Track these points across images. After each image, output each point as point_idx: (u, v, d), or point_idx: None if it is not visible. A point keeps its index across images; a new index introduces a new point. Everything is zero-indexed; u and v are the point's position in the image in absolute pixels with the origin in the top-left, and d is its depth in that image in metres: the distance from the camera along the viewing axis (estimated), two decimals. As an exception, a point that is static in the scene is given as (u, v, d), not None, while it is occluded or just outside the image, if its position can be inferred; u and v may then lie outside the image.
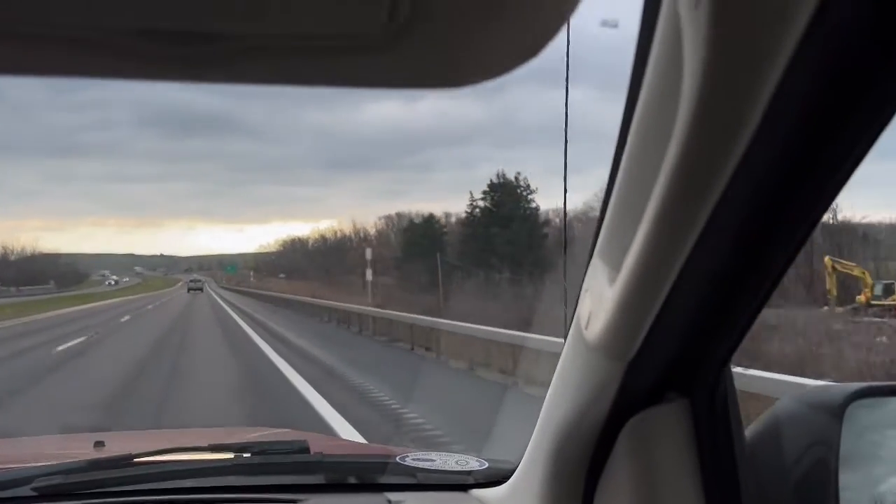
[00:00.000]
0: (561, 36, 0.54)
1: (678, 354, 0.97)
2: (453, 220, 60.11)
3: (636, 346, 0.93)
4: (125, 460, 1.57)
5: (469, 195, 53.60)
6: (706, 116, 0.69)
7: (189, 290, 77.62)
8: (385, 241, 67.13)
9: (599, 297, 0.95)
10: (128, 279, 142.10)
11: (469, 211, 54.12)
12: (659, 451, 1.02)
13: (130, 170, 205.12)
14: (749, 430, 1.05)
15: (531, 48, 0.54)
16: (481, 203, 52.81)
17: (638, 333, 0.92)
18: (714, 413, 1.01)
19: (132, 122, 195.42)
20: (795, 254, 0.83)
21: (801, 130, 0.70)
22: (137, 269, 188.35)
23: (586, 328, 0.99)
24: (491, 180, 52.55)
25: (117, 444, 1.97)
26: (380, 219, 76.65)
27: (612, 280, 0.91)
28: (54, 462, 1.62)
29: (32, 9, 0.48)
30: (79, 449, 2.04)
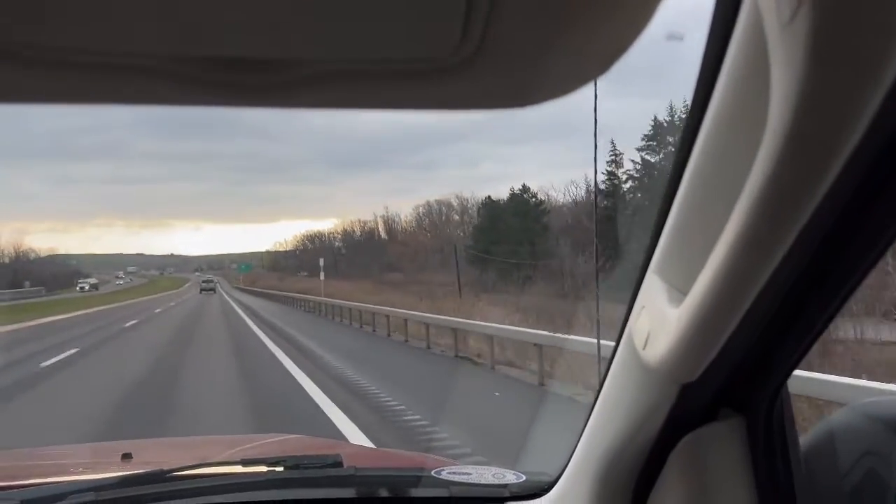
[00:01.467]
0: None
1: (737, 373, 0.95)
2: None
3: (700, 370, 0.91)
4: (158, 476, 1.54)
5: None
6: (799, 141, 0.65)
7: (201, 290, 76.87)
8: (431, 231, 63.61)
9: (661, 318, 0.91)
10: (122, 281, 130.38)
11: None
12: (713, 470, 1.01)
13: (133, 171, 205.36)
14: (804, 441, 1.03)
15: (603, 64, 0.53)
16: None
17: (705, 358, 0.89)
18: (771, 431, 1.00)
19: (129, 124, 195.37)
20: (863, 277, 0.81)
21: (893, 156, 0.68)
22: (131, 268, 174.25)
23: (644, 348, 0.96)
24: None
25: (144, 455, 1.94)
26: (417, 208, 73.53)
27: (676, 301, 0.88)
28: (84, 477, 1.61)
29: (99, 38, 0.48)
30: (106, 461, 2.01)
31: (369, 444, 7.30)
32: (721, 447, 1.00)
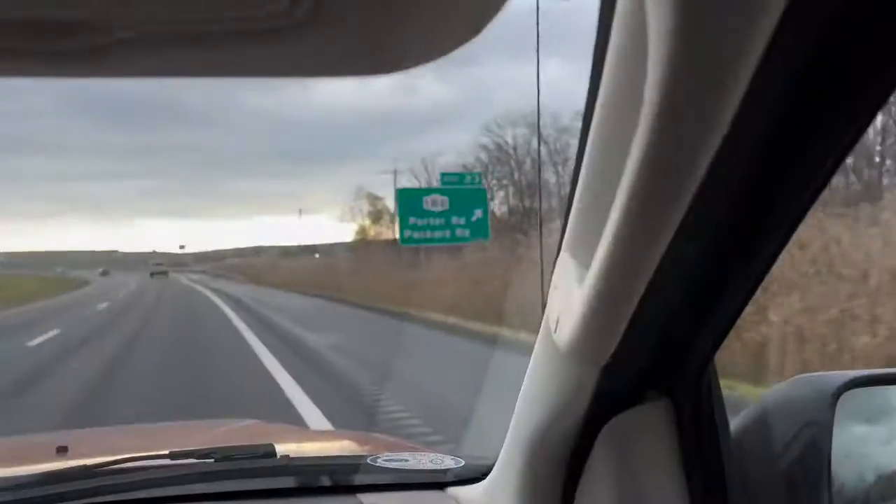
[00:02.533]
0: (508, 10, 0.49)
1: (657, 354, 0.93)
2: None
3: (611, 349, 0.88)
4: (82, 471, 1.50)
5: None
6: (676, 107, 0.63)
7: (152, 274, 73.59)
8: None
9: (568, 297, 0.89)
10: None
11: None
12: (639, 453, 1.00)
13: (81, 167, 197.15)
14: (735, 422, 1.03)
15: (471, 27, 0.49)
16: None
17: (612, 337, 0.86)
18: (698, 412, 0.98)
19: (60, 112, 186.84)
20: (780, 250, 0.79)
21: (777, 125, 0.66)
22: (58, 269, 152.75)
23: (555, 331, 0.94)
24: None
25: (82, 448, 1.89)
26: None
27: (582, 278, 0.85)
28: (11, 474, 1.54)
29: None
30: (39, 454, 1.94)
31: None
32: (647, 431, 0.99)
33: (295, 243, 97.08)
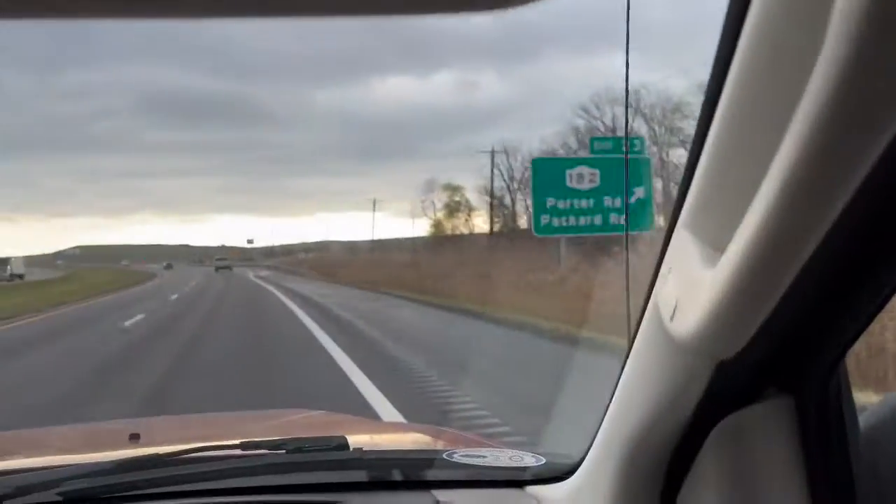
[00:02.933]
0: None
1: (784, 348, 0.82)
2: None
3: (739, 344, 0.77)
4: (155, 460, 1.52)
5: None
6: (868, 59, 0.51)
7: (217, 269, 75.84)
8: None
9: (691, 283, 0.78)
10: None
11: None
12: (756, 458, 0.90)
13: (154, 164, 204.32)
14: (865, 422, 0.92)
15: None
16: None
17: (745, 330, 0.76)
18: (825, 411, 0.88)
19: (134, 110, 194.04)
20: None
21: None
22: (124, 262, 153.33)
23: (672, 319, 0.83)
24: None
25: (153, 435, 1.96)
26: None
27: (711, 261, 0.74)
28: (84, 460, 1.64)
29: None
30: (113, 441, 2.03)
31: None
32: (765, 432, 0.89)
33: (363, 238, 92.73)
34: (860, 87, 0.52)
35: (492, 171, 47.57)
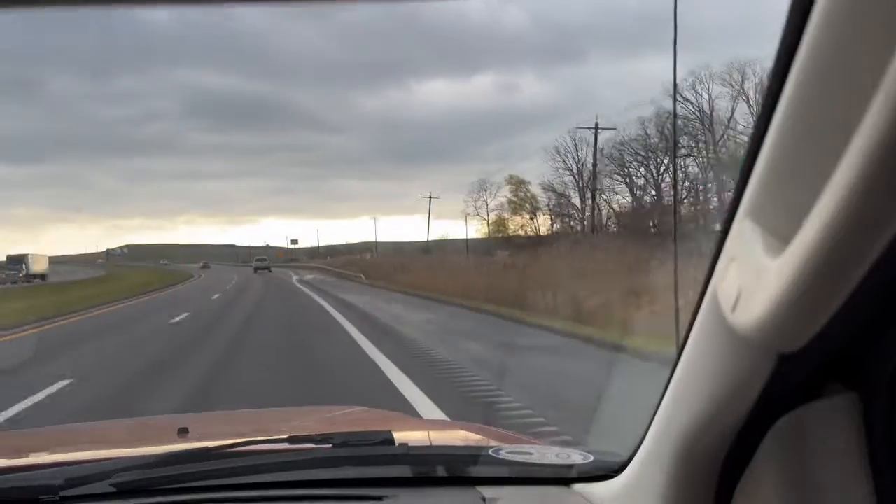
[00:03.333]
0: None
1: (850, 342, 0.79)
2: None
3: (806, 338, 0.74)
4: (203, 453, 1.55)
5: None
6: None
7: (255, 270, 74.50)
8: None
9: (757, 273, 0.74)
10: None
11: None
12: (818, 459, 0.86)
13: (202, 167, 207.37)
14: None
15: None
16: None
17: (813, 324, 0.72)
18: (892, 409, 0.83)
19: (179, 113, 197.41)
20: None
21: None
22: (163, 261, 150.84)
23: (734, 310, 0.79)
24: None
25: (201, 430, 2.00)
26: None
27: (776, 250, 0.71)
28: (134, 453, 1.71)
29: None
30: (162, 435, 2.06)
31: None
32: (828, 431, 0.85)
33: (409, 239, 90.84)
34: None
35: (595, 150, 41.29)
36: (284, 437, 1.56)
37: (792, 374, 0.81)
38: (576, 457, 1.48)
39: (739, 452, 0.93)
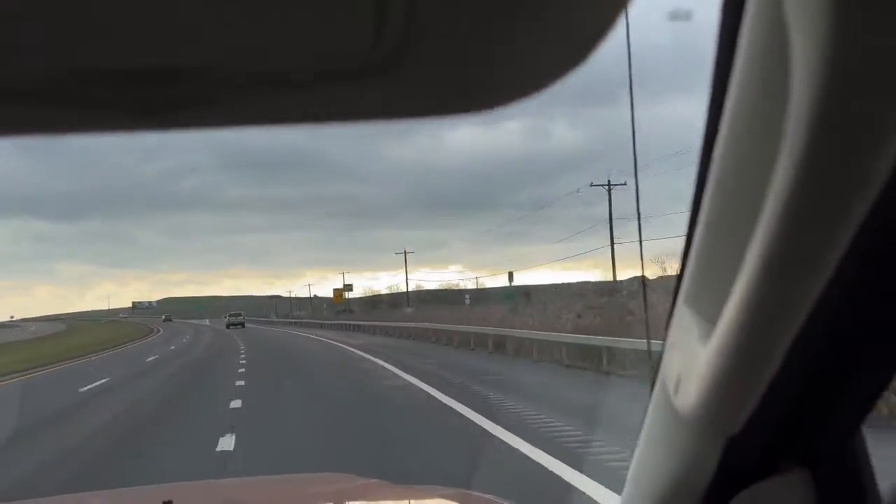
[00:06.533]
0: (614, 37, 0.45)
1: (796, 421, 0.81)
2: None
3: (743, 417, 0.77)
4: None
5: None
6: (834, 127, 0.53)
7: (228, 325, 66.66)
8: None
9: (691, 357, 0.78)
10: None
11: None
12: None
13: (243, 221, 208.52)
14: (886, 489, 0.88)
15: (572, 58, 0.46)
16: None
17: (746, 403, 0.76)
18: (843, 485, 0.85)
19: (215, 166, 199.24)
20: None
21: None
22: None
23: (675, 394, 0.83)
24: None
25: (186, 501, 2.01)
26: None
27: (707, 335, 0.74)
28: None
29: None
30: None
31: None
32: None
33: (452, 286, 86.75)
34: (827, 154, 0.53)
35: (610, 205, 41.48)
36: None
37: (743, 453, 0.82)
38: None
39: None
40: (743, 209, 0.63)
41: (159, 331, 70.58)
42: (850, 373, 0.75)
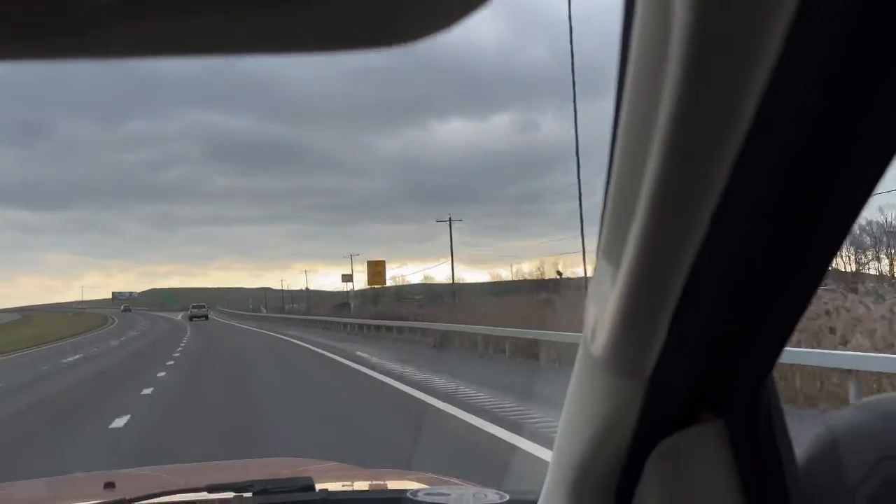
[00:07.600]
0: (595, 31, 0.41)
1: (707, 368, 0.83)
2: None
3: (651, 360, 0.79)
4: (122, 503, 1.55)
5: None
6: (695, 102, 0.59)
7: (191, 318, 64.58)
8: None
9: (603, 304, 0.81)
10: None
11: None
12: (692, 479, 0.88)
13: (228, 212, 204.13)
14: (802, 450, 0.88)
15: None
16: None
17: (650, 345, 0.77)
18: (755, 433, 0.86)
19: (199, 157, 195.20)
20: (834, 248, 0.71)
21: (800, 125, 0.61)
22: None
23: (592, 341, 0.85)
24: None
25: (129, 484, 2.00)
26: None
27: (615, 279, 0.77)
28: None
29: None
30: (89, 491, 2.03)
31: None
32: (700, 455, 0.87)
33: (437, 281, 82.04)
34: (697, 107, 0.58)
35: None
36: (203, 486, 1.56)
37: (663, 400, 0.83)
38: (492, 496, 1.51)
39: (628, 481, 0.93)
40: (634, 173, 0.66)
41: (114, 321, 68.56)
42: (754, 313, 0.76)
